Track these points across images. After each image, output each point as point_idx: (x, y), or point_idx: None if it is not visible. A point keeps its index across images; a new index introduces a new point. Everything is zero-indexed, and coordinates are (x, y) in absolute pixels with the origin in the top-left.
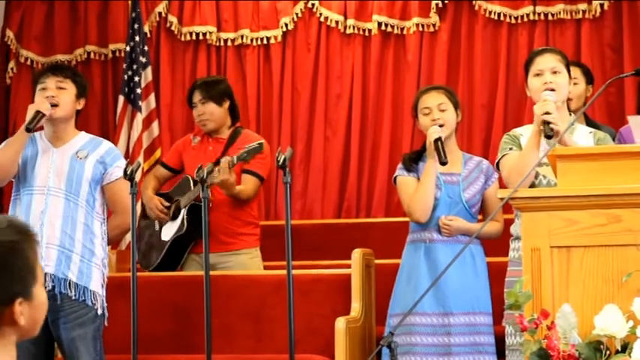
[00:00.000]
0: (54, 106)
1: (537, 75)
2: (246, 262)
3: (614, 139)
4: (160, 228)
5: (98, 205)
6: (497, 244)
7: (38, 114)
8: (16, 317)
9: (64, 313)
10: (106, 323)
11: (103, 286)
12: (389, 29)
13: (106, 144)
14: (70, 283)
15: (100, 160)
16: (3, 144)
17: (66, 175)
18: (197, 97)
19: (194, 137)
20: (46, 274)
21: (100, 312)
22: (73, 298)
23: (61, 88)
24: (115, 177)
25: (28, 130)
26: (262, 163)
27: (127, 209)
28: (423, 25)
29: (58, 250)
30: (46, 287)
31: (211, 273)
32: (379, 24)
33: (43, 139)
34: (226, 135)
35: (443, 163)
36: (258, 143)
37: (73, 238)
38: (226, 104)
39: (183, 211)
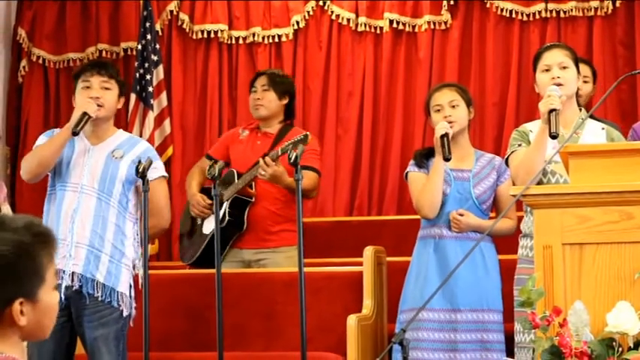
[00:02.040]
0: (99, 107)
1: (545, 70)
2: (282, 261)
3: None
4: (202, 222)
5: (131, 206)
6: (508, 242)
7: (85, 116)
8: (15, 317)
9: (88, 312)
10: (131, 323)
11: (131, 286)
12: (400, 27)
13: (143, 144)
14: (97, 283)
15: (136, 160)
16: (45, 138)
17: (100, 174)
18: (261, 82)
19: (242, 130)
20: (73, 273)
21: (125, 313)
22: (100, 298)
23: (106, 88)
24: (150, 178)
25: (75, 133)
26: (315, 158)
27: (162, 210)
28: (434, 23)
29: (87, 250)
30: (72, 286)
31: (225, 270)
32: (391, 22)
33: (81, 136)
34: (276, 130)
35: (446, 159)
36: (303, 135)
37: (103, 238)
38: (285, 100)
39: (225, 205)
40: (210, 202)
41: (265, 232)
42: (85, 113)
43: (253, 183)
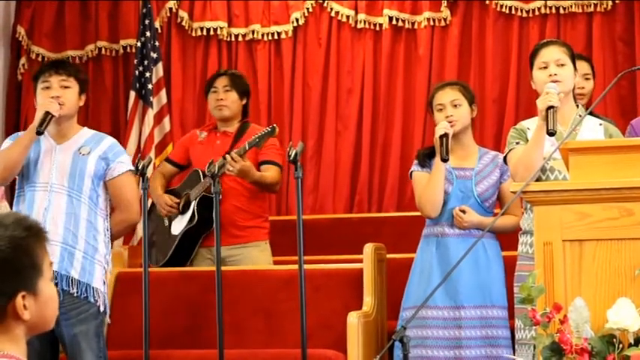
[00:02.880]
0: (60, 105)
1: (542, 68)
2: (256, 255)
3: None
4: (170, 223)
5: (101, 202)
6: (510, 238)
7: (48, 115)
8: (19, 311)
9: (64, 310)
10: (108, 320)
11: (105, 282)
12: (400, 24)
13: (109, 140)
14: (72, 280)
15: (103, 155)
16: (9, 142)
17: (68, 171)
18: (222, 82)
19: (200, 132)
20: None
21: (102, 309)
22: (75, 295)
23: (65, 87)
24: (117, 172)
25: (39, 133)
26: (277, 152)
27: (131, 205)
28: (434, 20)
29: (61, 247)
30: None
31: (223, 268)
32: (390, 18)
33: (46, 136)
34: (234, 129)
35: (444, 160)
36: (270, 127)
37: (76, 234)
38: (244, 100)
39: (193, 204)
40: (177, 200)
41: (235, 227)
42: (47, 112)
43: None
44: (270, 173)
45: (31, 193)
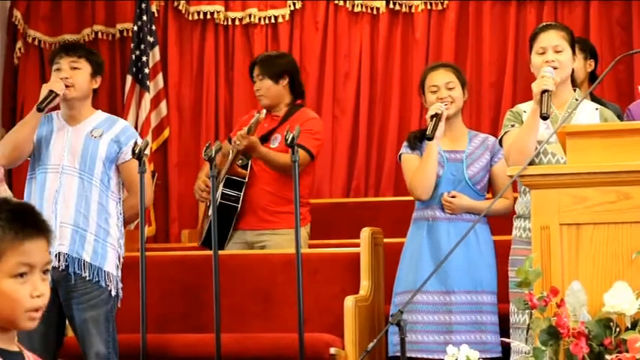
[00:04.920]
0: (68, 87)
1: (540, 53)
2: (282, 243)
3: (620, 117)
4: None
5: (113, 185)
6: (501, 223)
7: (51, 94)
8: None
9: (77, 294)
10: (119, 305)
11: (118, 267)
12: (397, 7)
13: (122, 123)
14: (84, 263)
15: (115, 139)
16: (17, 125)
17: (80, 153)
18: (256, 72)
19: (257, 113)
20: (59, 253)
21: (114, 293)
22: (87, 278)
23: (75, 68)
24: (129, 156)
25: (40, 109)
26: (312, 138)
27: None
28: (431, 4)
29: (72, 230)
30: (59, 267)
31: (220, 252)
32: (387, 2)
33: (59, 118)
34: (283, 112)
35: (428, 139)
36: (257, 113)
37: (87, 217)
38: (284, 81)
39: (220, 186)
40: (206, 185)
41: (265, 212)
42: (51, 91)
43: (249, 164)
44: (283, 154)
45: (42, 175)
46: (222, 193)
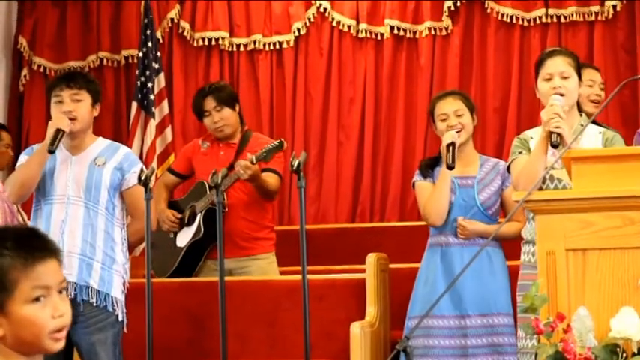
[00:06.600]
0: (72, 120)
1: (547, 79)
2: (265, 266)
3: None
4: (175, 235)
5: (118, 212)
6: (514, 247)
7: (59, 132)
8: None
9: (83, 318)
10: (125, 330)
11: (123, 292)
12: (401, 33)
13: (123, 150)
14: (91, 289)
15: (118, 166)
16: (25, 157)
17: (85, 183)
18: (211, 104)
19: (203, 142)
20: (68, 282)
21: (120, 318)
22: (95, 304)
23: (77, 100)
24: (132, 183)
25: (51, 152)
26: (280, 162)
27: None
28: (435, 29)
29: (80, 258)
30: (68, 295)
31: (226, 278)
32: (391, 28)
33: (61, 149)
34: (236, 139)
35: (450, 168)
36: (278, 142)
37: (94, 245)
38: (237, 107)
39: (199, 216)
40: (179, 216)
41: (242, 239)
42: (59, 130)
43: (225, 194)
44: (271, 180)
45: (48, 206)
46: (202, 223)
